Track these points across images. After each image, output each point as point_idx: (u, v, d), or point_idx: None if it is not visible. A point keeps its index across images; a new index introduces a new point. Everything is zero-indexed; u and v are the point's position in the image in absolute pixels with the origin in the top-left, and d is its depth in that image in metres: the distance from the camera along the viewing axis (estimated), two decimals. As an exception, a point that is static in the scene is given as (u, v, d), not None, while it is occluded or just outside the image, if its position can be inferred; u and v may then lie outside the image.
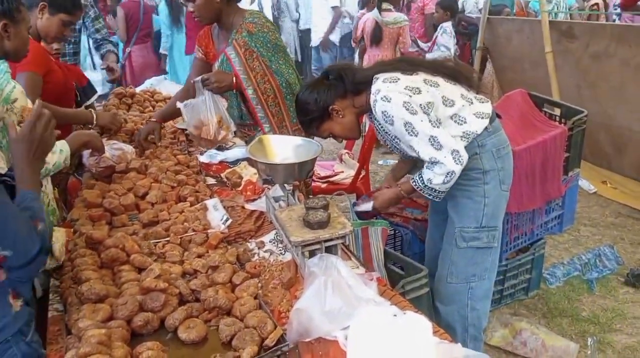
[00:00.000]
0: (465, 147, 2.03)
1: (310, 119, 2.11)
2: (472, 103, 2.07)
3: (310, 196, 1.91)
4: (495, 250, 2.20)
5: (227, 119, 2.58)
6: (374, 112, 1.99)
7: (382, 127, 2.04)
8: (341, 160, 3.88)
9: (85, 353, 1.19)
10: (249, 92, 2.57)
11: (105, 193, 2.10)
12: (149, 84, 3.87)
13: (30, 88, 2.20)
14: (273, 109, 2.61)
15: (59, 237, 1.76)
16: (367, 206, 2.22)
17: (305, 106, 2.10)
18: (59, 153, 2.03)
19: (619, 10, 6.60)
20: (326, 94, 2.06)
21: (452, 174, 1.94)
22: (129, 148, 2.44)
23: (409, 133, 1.94)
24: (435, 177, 1.96)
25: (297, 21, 7.74)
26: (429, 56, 5.40)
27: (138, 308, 1.43)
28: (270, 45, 2.58)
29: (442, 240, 2.37)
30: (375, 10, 5.26)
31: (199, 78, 2.55)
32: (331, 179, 3.63)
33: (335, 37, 7.08)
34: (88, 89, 3.20)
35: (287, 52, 2.72)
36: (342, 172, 3.71)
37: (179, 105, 2.57)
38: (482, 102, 2.12)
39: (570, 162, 2.99)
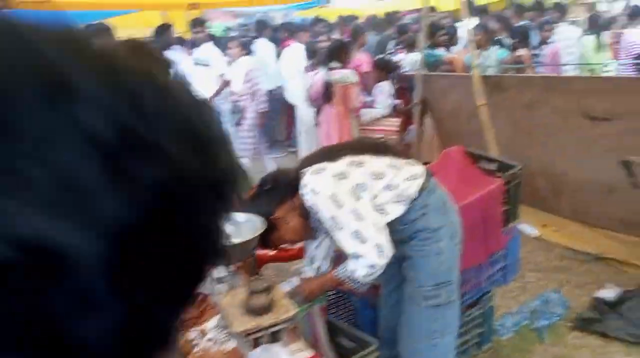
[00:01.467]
0: (410, 212, 2.08)
1: (260, 234, 2.09)
2: (401, 169, 2.14)
3: (255, 275, 1.88)
4: (455, 304, 2.23)
5: None
6: (306, 206, 2.03)
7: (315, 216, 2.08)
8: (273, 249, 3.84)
9: None
10: None
11: None
12: None
13: None
14: None
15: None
16: (289, 287, 2.18)
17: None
18: None
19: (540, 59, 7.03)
20: (264, 206, 2.08)
21: (374, 267, 1.96)
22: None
23: (334, 227, 1.97)
24: (358, 270, 1.97)
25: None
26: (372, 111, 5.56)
27: None
28: None
29: (398, 304, 2.38)
30: (323, 69, 5.39)
31: None
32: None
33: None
34: None
35: None
36: (291, 235, 3.67)
37: None
38: (411, 165, 2.19)
39: (510, 214, 3.08)
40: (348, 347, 2.16)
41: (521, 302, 3.70)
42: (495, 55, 6.14)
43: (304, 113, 6.35)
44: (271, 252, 3.57)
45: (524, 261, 4.19)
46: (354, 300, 2.70)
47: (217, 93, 6.21)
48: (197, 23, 6.69)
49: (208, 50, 6.45)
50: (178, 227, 0.34)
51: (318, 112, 5.64)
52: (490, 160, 3.22)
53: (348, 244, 1.97)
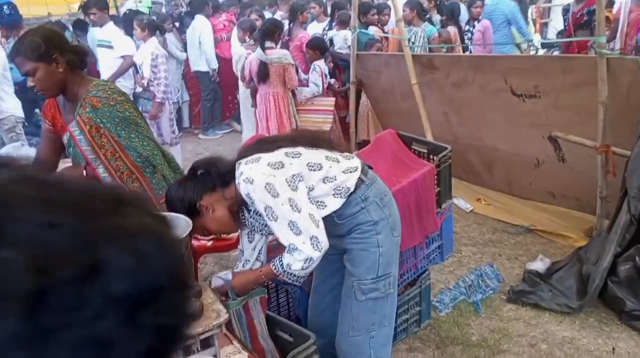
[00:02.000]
0: (348, 205, 2.06)
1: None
2: (338, 161, 2.11)
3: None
4: (392, 296, 2.25)
5: None
6: (241, 195, 1.97)
7: (256, 212, 2.03)
8: (196, 238, 3.76)
9: None
10: (100, 171, 2.42)
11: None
12: (5, 151, 3.55)
13: None
14: (132, 185, 2.47)
15: None
16: (222, 281, 2.12)
17: (172, 205, 2.04)
18: None
19: (471, 35, 7.15)
20: (192, 191, 2.01)
21: (310, 260, 1.93)
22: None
23: (268, 217, 1.92)
24: (294, 263, 1.94)
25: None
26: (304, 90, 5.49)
27: None
28: (118, 120, 2.41)
29: (330, 292, 2.38)
30: (259, 49, 5.26)
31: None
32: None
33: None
34: None
35: (139, 123, 2.53)
36: (228, 225, 3.60)
37: None
38: (348, 159, 2.17)
39: (442, 196, 3.13)
40: (286, 340, 2.13)
41: (458, 276, 3.81)
42: (424, 32, 6.19)
43: (243, 93, 6.19)
44: (209, 243, 3.49)
45: (459, 236, 4.32)
46: (291, 289, 2.68)
47: (117, 75, 5.83)
48: (94, 3, 6.19)
49: (110, 30, 6.09)
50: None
51: (253, 93, 5.52)
52: (422, 143, 3.25)
53: (283, 235, 1.93)
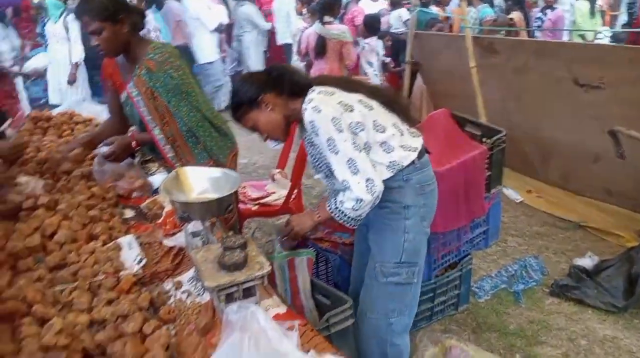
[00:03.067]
0: (390, 179, 2.02)
1: (238, 102, 2.04)
2: (402, 134, 2.06)
3: (230, 232, 1.85)
4: (416, 286, 2.19)
5: (139, 171, 2.57)
6: (303, 119, 1.95)
7: (310, 139, 2.01)
8: (273, 179, 3.83)
9: None
10: (155, 132, 2.49)
11: (10, 235, 1.96)
12: (67, 105, 3.69)
13: None
14: (177, 149, 2.54)
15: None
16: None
17: (237, 90, 2.05)
18: None
19: (541, 23, 6.91)
20: (261, 84, 2.01)
21: (361, 202, 1.91)
22: (38, 183, 2.30)
23: (329, 149, 1.91)
24: (346, 201, 1.94)
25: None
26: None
27: (35, 370, 1.34)
28: (171, 86, 2.46)
29: (364, 268, 2.37)
30: (318, 23, 5.23)
31: (102, 152, 2.50)
32: (263, 201, 3.57)
33: None
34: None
35: (192, 93, 2.55)
36: (274, 192, 3.65)
37: (93, 168, 2.53)
38: (413, 136, 2.11)
39: (492, 180, 3.06)
40: (324, 303, 2.15)
41: (500, 265, 3.74)
42: (477, 14, 6.00)
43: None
44: (254, 208, 3.57)
45: (506, 226, 4.24)
46: (331, 257, 2.70)
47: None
48: None
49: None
50: None
51: (308, 68, 5.51)
52: (476, 124, 3.18)
53: (339, 171, 1.92)
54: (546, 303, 3.36)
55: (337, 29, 5.22)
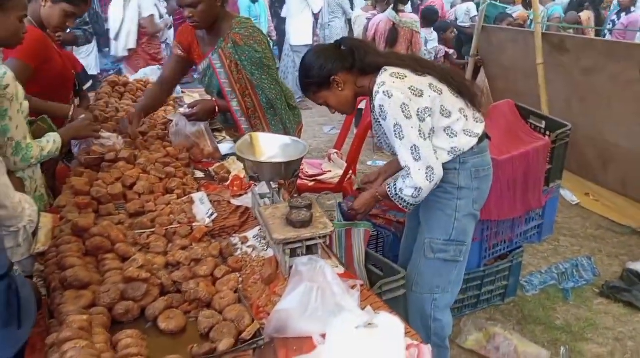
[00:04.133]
0: (448, 161, 2.06)
1: (309, 83, 2.10)
2: (467, 119, 2.09)
3: (295, 195, 1.95)
4: (462, 265, 2.24)
5: (211, 139, 2.69)
6: (372, 101, 2.00)
7: (377, 118, 2.06)
8: (330, 159, 3.93)
9: (66, 338, 1.23)
10: (233, 104, 2.60)
11: (94, 182, 2.13)
12: (143, 73, 3.89)
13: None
14: (254, 121, 2.65)
15: (46, 223, 1.80)
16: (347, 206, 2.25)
17: (308, 69, 2.08)
18: (53, 143, 2.08)
19: (613, 25, 6.70)
20: (332, 63, 2.04)
21: (420, 190, 1.97)
22: (119, 139, 2.47)
23: (395, 134, 1.96)
24: (405, 189, 1.99)
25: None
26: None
27: (120, 297, 1.48)
28: (255, 59, 2.57)
29: (413, 245, 2.42)
30: (391, 10, 5.21)
31: (184, 112, 2.62)
32: (319, 178, 3.68)
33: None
34: (82, 75, 3.23)
35: (272, 67, 2.69)
36: (330, 171, 3.75)
37: (170, 130, 2.68)
38: (477, 122, 2.14)
39: (552, 174, 3.05)
40: (377, 274, 2.23)
41: (551, 263, 3.71)
42: (545, 12, 5.88)
43: None
44: (310, 183, 3.68)
45: (560, 226, 4.19)
46: (386, 234, 2.77)
47: None
48: None
49: None
50: None
51: None
52: (540, 117, 3.17)
53: (403, 156, 1.97)
54: (595, 303, 3.33)
55: (409, 17, 5.21)
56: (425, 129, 1.98)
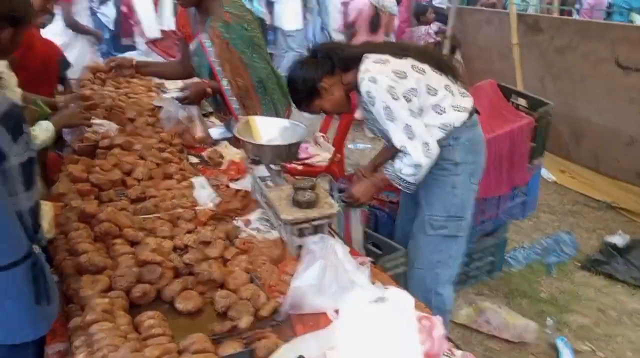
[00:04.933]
0: (441, 138, 2.10)
1: (299, 97, 2.15)
2: (453, 95, 2.14)
3: (298, 177, 1.98)
4: (462, 239, 2.29)
5: (202, 124, 2.70)
6: (359, 90, 2.04)
7: (365, 107, 2.10)
8: (316, 143, 3.94)
9: (92, 320, 1.24)
10: (224, 83, 2.60)
11: (91, 169, 2.11)
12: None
13: None
14: (246, 101, 2.65)
15: (47, 211, 1.78)
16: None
17: (294, 85, 2.14)
18: (45, 131, 2.05)
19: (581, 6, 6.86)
20: (314, 72, 2.09)
21: (419, 167, 2.00)
22: (111, 125, 2.44)
23: (387, 117, 2.00)
24: (404, 168, 2.03)
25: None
26: None
27: (136, 280, 1.48)
28: (246, 38, 2.58)
29: (409, 224, 2.47)
30: None
31: (175, 95, 2.63)
32: (307, 161, 3.69)
33: None
34: (63, 61, 3.17)
35: (263, 47, 2.71)
36: (318, 155, 3.75)
37: (161, 115, 2.68)
38: (464, 96, 2.19)
39: (535, 152, 3.14)
40: (375, 253, 2.28)
41: (533, 239, 3.83)
42: None
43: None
44: (299, 167, 3.69)
45: (539, 203, 4.26)
46: (380, 214, 2.82)
47: None
48: None
49: None
50: None
51: (349, 39, 5.49)
52: (522, 95, 3.25)
53: (397, 137, 2.01)
54: (577, 276, 3.46)
55: (389, 1, 5.19)
56: (414, 108, 2.03)
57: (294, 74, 2.15)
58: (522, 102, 3.21)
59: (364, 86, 2.00)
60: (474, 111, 2.23)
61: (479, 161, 2.25)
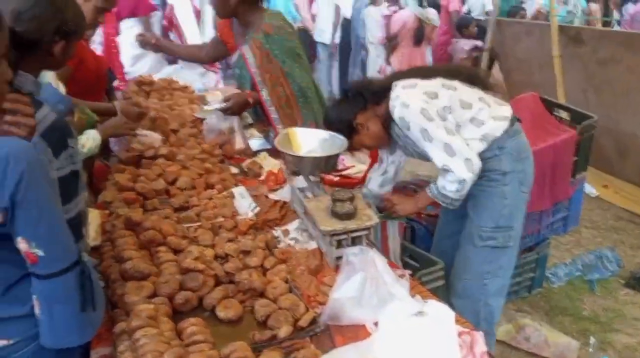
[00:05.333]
0: (485, 150, 2.08)
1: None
2: (490, 106, 2.12)
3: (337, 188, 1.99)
4: (512, 250, 2.26)
5: (242, 135, 2.75)
6: (393, 117, 2.07)
7: (400, 133, 2.12)
8: (352, 154, 3.95)
9: (137, 326, 1.28)
10: (263, 94, 2.64)
11: (136, 178, 2.17)
12: (166, 73, 3.94)
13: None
14: (286, 110, 2.69)
15: (94, 218, 1.84)
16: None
17: (331, 126, 2.21)
18: (92, 140, 2.12)
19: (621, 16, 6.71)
20: (347, 111, 2.15)
21: (463, 182, 1.99)
22: (156, 136, 2.51)
23: (424, 139, 2.00)
24: (447, 185, 2.02)
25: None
26: None
27: (178, 287, 1.52)
28: (286, 49, 2.63)
29: (447, 239, 2.45)
30: (417, 6, 5.18)
31: (218, 106, 2.69)
32: (343, 173, 3.70)
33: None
34: (109, 73, 3.28)
35: (303, 56, 2.76)
36: (354, 166, 3.77)
37: (204, 127, 2.77)
38: (501, 105, 2.17)
39: (578, 166, 3.07)
40: (413, 265, 2.26)
41: (575, 255, 3.74)
42: (580, 4, 5.88)
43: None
44: (335, 178, 3.71)
45: (581, 218, 4.17)
46: (418, 227, 2.80)
47: None
48: None
49: None
50: None
51: (391, 51, 5.44)
52: (565, 109, 3.19)
53: (437, 157, 2.00)
54: (621, 294, 3.35)
55: (433, 13, 5.20)
56: (451, 125, 2.03)
57: (330, 116, 2.22)
58: (564, 115, 3.14)
59: (397, 112, 2.02)
60: (515, 119, 2.20)
61: (527, 169, 2.22)
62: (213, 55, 3.10)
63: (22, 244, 1.10)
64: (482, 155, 2.09)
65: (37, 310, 1.15)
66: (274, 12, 2.82)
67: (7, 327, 1.20)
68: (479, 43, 5.58)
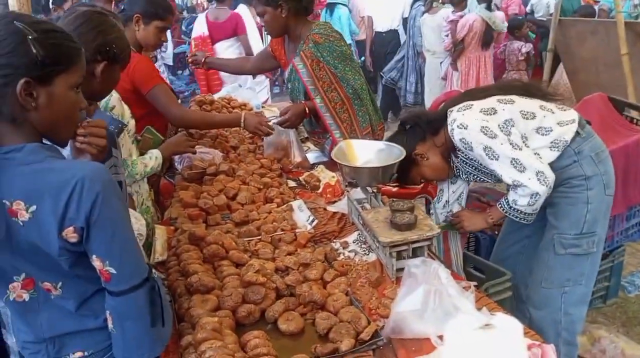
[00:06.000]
0: (562, 157, 2.02)
1: (400, 170, 2.14)
2: (553, 112, 2.06)
3: (394, 199, 1.97)
4: (595, 255, 2.16)
5: (300, 148, 2.79)
6: (453, 141, 2.03)
7: (463, 157, 2.09)
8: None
9: (203, 339, 1.31)
10: (317, 101, 2.66)
11: (199, 194, 2.24)
12: (226, 91, 4.04)
13: (168, 98, 2.48)
14: (342, 115, 2.70)
15: (161, 234, 1.91)
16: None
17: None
18: (155, 159, 2.21)
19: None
20: (407, 143, 2.14)
21: (536, 196, 1.93)
22: (216, 153, 2.58)
23: (489, 157, 1.95)
24: (519, 199, 1.96)
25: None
26: None
27: (241, 300, 1.54)
28: (337, 54, 2.66)
29: (509, 248, 2.37)
30: (484, 10, 5.10)
31: (277, 120, 2.75)
32: (402, 183, 3.66)
33: None
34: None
35: (353, 59, 2.80)
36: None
37: (263, 142, 2.84)
38: (564, 111, 2.11)
39: (654, 167, 2.90)
40: (477, 276, 2.20)
41: (652, 262, 3.52)
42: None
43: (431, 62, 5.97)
44: (394, 189, 3.68)
45: (658, 223, 3.96)
46: (482, 237, 2.72)
47: None
48: None
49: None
50: None
51: (457, 55, 5.32)
52: (636, 108, 3.02)
53: (506, 173, 1.95)
54: None
55: (500, 17, 5.10)
56: (516, 139, 1.97)
57: None
58: (635, 114, 2.98)
59: (456, 135, 1.99)
60: (585, 122, 2.13)
61: (609, 170, 2.13)
62: (259, 66, 3.26)
63: (97, 262, 1.15)
64: (560, 164, 2.03)
65: (110, 325, 1.20)
66: (321, 23, 2.89)
67: (82, 340, 1.26)
68: (528, 45, 5.42)
